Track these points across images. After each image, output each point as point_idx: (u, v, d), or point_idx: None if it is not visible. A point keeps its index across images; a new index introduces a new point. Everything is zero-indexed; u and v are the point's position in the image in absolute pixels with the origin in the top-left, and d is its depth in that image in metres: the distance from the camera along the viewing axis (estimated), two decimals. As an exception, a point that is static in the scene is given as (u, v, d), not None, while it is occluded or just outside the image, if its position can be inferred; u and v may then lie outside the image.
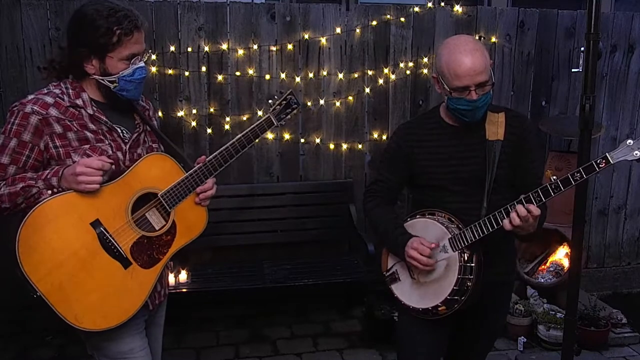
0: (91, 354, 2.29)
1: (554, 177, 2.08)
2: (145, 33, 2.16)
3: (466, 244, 2.24)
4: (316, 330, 4.44)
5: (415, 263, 2.30)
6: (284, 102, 2.31)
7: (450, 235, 2.28)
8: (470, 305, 2.31)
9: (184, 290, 4.05)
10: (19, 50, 4.04)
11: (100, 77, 2.10)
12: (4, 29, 4.00)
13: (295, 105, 2.33)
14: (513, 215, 2.11)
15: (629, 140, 2.02)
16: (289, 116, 2.33)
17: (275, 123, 2.30)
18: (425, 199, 2.45)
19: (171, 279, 3.97)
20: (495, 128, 2.34)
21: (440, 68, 2.26)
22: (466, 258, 2.25)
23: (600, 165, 2.02)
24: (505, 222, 2.13)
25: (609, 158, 2.02)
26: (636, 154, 2.00)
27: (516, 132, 2.35)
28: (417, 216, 2.42)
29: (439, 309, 2.31)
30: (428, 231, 2.34)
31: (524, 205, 2.10)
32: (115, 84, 2.10)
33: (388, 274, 2.51)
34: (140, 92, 2.20)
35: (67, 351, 4.06)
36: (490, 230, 2.19)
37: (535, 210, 2.09)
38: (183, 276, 4.12)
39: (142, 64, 2.15)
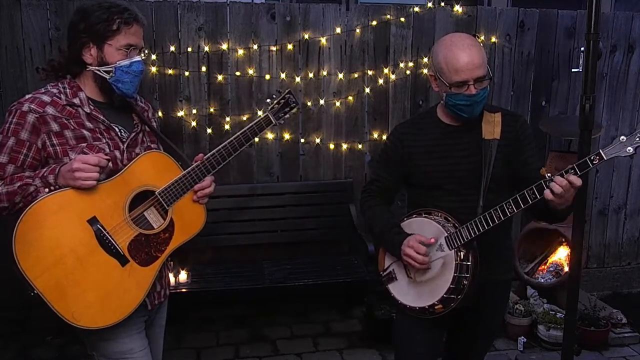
0: (91, 354, 2.29)
1: (549, 175, 2.08)
2: (144, 31, 2.21)
3: (462, 242, 2.24)
4: (316, 330, 4.45)
5: (411, 261, 2.30)
6: (283, 100, 2.31)
7: (446, 234, 2.28)
8: (468, 304, 2.30)
9: (184, 290, 4.05)
10: (19, 50, 4.05)
11: (97, 68, 2.12)
12: (4, 29, 4.01)
13: (294, 104, 2.33)
14: (553, 184, 2.03)
15: (622, 137, 2.02)
16: (287, 115, 2.33)
17: (273, 122, 2.30)
18: (422, 198, 2.45)
19: (171, 279, 3.96)
20: (492, 127, 2.35)
21: (439, 64, 2.27)
22: (462, 256, 2.25)
23: (594, 162, 2.02)
24: (547, 192, 2.05)
25: (602, 154, 2.02)
26: (629, 150, 2.00)
27: (512, 130, 2.36)
28: (414, 216, 2.43)
29: (436, 307, 2.30)
30: (424, 230, 2.34)
31: (564, 176, 2.04)
32: (111, 74, 2.12)
33: (385, 273, 2.51)
34: (136, 88, 2.20)
35: (67, 351, 4.06)
36: (486, 227, 2.19)
37: (576, 180, 2.03)
38: (183, 276, 4.12)
39: (139, 58, 2.18)
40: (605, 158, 2.03)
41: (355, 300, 4.68)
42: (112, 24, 2.09)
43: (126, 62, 2.14)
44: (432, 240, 2.29)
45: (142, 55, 2.22)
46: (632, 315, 4.42)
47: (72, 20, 2.14)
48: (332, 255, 4.70)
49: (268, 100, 2.33)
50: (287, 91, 2.34)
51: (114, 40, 2.11)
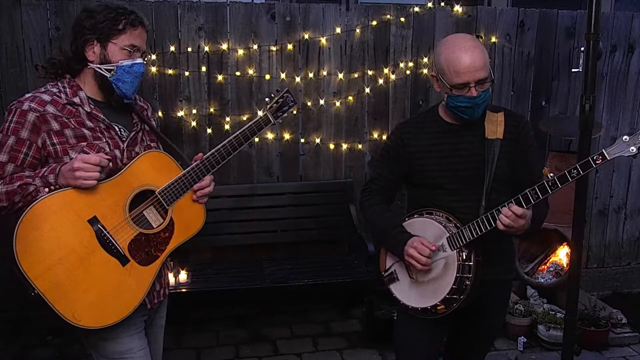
0: (90, 354, 2.29)
1: (551, 175, 2.08)
2: (147, 36, 2.23)
3: (464, 242, 2.24)
4: (316, 330, 4.45)
5: (413, 262, 2.30)
6: (281, 100, 2.32)
7: (448, 234, 2.28)
8: (469, 305, 2.31)
9: (184, 290, 4.05)
10: (19, 50, 4.05)
11: (98, 65, 2.13)
12: (4, 29, 4.01)
13: (292, 103, 2.34)
14: (501, 216, 2.12)
15: (625, 137, 2.01)
16: (285, 114, 2.34)
17: (272, 121, 2.30)
18: (422, 197, 2.45)
19: (171, 279, 3.97)
20: (495, 127, 2.34)
21: (440, 66, 2.26)
22: (464, 257, 2.25)
23: (597, 162, 2.02)
24: (498, 223, 2.14)
25: (605, 154, 2.02)
26: (632, 149, 2.00)
27: (514, 130, 2.36)
28: (415, 216, 2.42)
29: (438, 308, 2.31)
30: (426, 230, 2.34)
31: (507, 207, 2.12)
32: (112, 72, 2.13)
33: (386, 273, 2.51)
34: (135, 89, 2.21)
35: (67, 351, 4.05)
36: (488, 228, 2.19)
37: (517, 210, 2.09)
38: (183, 276, 4.12)
39: (141, 60, 2.18)
40: (609, 158, 2.02)
41: (355, 300, 4.67)
42: (118, 24, 2.11)
43: (128, 62, 2.14)
44: (434, 247, 2.29)
45: (145, 59, 2.23)
46: (632, 315, 4.42)
47: (78, 18, 2.15)
48: (332, 255, 4.70)
49: (267, 99, 2.33)
50: (285, 90, 2.34)
51: (118, 40, 2.12)
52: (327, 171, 4.66)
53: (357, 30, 4.49)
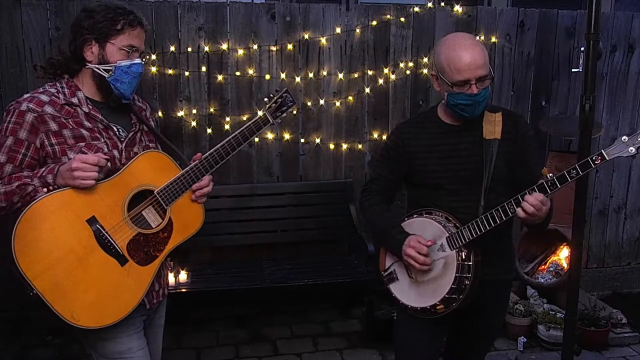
0: (89, 354, 2.29)
1: (550, 175, 2.08)
2: (146, 37, 2.24)
3: (464, 242, 2.24)
4: (316, 330, 4.45)
5: (412, 262, 2.30)
6: (280, 100, 2.32)
7: (447, 234, 2.28)
8: (469, 305, 2.31)
9: (184, 290, 4.05)
10: (19, 50, 4.05)
11: (97, 66, 2.13)
12: (4, 29, 4.01)
13: (291, 103, 2.34)
14: (525, 204, 2.10)
15: (624, 137, 2.02)
16: (284, 114, 2.34)
17: (271, 121, 2.30)
18: (422, 197, 2.45)
19: (171, 279, 3.97)
20: (493, 127, 2.35)
21: (440, 64, 2.26)
22: (464, 256, 2.25)
23: (596, 162, 2.02)
24: (519, 211, 2.12)
25: (604, 154, 2.02)
26: (631, 150, 2.00)
27: (513, 130, 2.36)
28: (414, 215, 2.43)
29: (437, 307, 2.31)
30: (426, 230, 2.34)
31: (529, 194, 2.11)
32: (110, 73, 2.13)
33: (386, 273, 2.52)
34: (133, 89, 2.21)
35: (67, 351, 4.06)
36: (488, 228, 2.20)
37: (539, 196, 2.09)
38: (183, 276, 4.12)
39: (139, 61, 2.18)
40: (608, 158, 2.03)
41: (355, 300, 4.67)
42: (117, 24, 2.11)
43: (126, 62, 2.14)
44: (430, 242, 2.30)
45: (144, 59, 2.23)
46: (632, 315, 4.42)
47: (77, 18, 2.16)
48: (332, 255, 4.69)
49: (265, 99, 2.33)
50: (284, 90, 2.34)
51: (116, 40, 2.12)
52: (327, 171, 4.66)
53: (357, 30, 4.49)
